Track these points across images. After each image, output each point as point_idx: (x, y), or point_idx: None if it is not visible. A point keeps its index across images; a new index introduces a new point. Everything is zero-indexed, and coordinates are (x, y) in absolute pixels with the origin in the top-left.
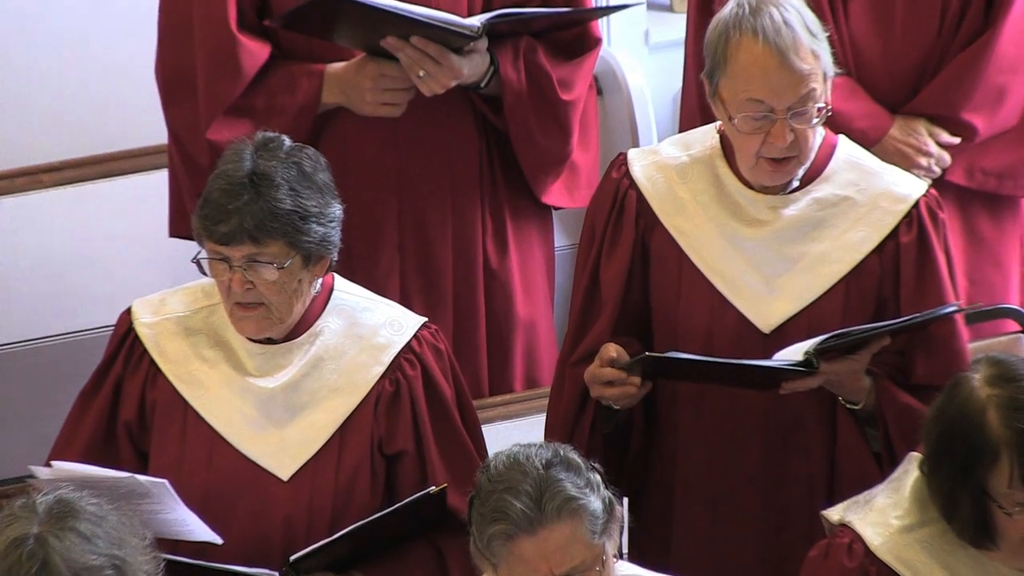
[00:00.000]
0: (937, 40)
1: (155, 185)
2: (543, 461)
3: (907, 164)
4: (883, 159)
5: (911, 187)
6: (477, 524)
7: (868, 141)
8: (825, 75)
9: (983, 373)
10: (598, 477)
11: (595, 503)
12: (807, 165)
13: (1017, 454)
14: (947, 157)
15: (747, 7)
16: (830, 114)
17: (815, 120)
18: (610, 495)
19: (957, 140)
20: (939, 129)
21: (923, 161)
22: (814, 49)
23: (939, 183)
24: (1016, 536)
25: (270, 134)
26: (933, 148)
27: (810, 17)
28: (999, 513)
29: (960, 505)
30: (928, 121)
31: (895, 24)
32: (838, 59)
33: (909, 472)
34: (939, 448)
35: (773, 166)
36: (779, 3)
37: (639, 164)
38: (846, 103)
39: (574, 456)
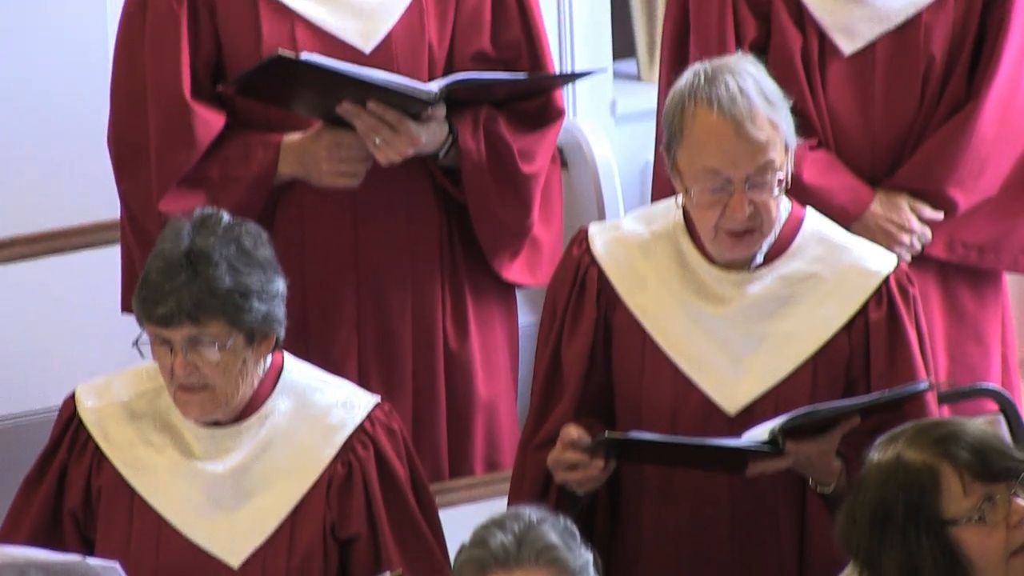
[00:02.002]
0: (919, 111)
1: (107, 261)
2: (539, 516)
3: (889, 241)
4: (865, 236)
5: (880, 262)
6: (456, 557)
7: (849, 217)
8: (786, 146)
9: (875, 449)
10: (591, 557)
11: (579, 565)
12: (771, 239)
13: (953, 458)
14: (929, 233)
15: (703, 76)
16: (788, 187)
17: (775, 191)
18: None
19: (940, 215)
20: (921, 204)
21: (906, 238)
22: (772, 118)
23: (919, 257)
24: (994, 555)
25: (208, 210)
26: (916, 224)
27: (769, 86)
28: (970, 537)
29: (924, 562)
30: (910, 196)
31: (875, 94)
32: (816, 130)
33: None
34: (874, 527)
35: (733, 239)
36: (736, 71)
37: (600, 240)
38: (825, 178)
39: (575, 529)
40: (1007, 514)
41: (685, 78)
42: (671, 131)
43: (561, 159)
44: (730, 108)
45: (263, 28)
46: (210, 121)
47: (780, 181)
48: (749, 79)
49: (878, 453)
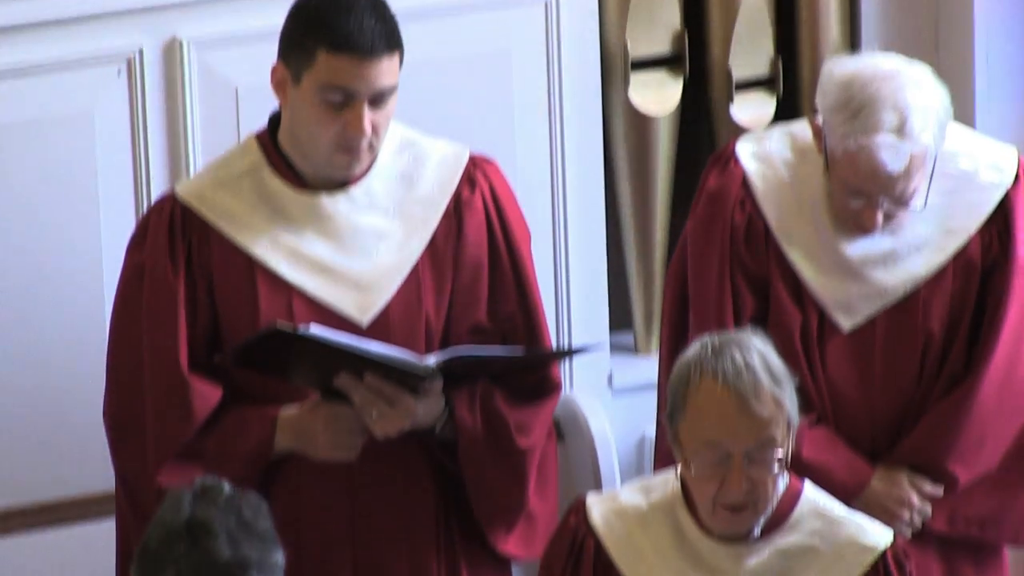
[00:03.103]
0: (918, 386)
1: (104, 533)
2: None
3: (890, 517)
4: (865, 512)
5: (877, 536)
6: None
7: (849, 494)
8: (789, 424)
9: None
10: None
11: None
12: (768, 514)
13: None
14: (929, 508)
15: (710, 348)
16: (788, 465)
17: (774, 469)
18: None
19: (940, 491)
20: (922, 479)
21: (906, 514)
22: (776, 395)
23: (921, 531)
24: None
25: (210, 481)
26: (916, 500)
27: (775, 362)
28: None
29: None
30: (910, 471)
31: (874, 370)
32: (815, 405)
33: None
34: None
35: (729, 514)
36: (743, 345)
37: (598, 510)
38: (825, 454)
39: None
40: None
41: (692, 349)
42: (675, 401)
43: (558, 431)
44: (735, 381)
45: (260, 300)
46: (207, 394)
47: (780, 460)
48: (756, 355)
49: None
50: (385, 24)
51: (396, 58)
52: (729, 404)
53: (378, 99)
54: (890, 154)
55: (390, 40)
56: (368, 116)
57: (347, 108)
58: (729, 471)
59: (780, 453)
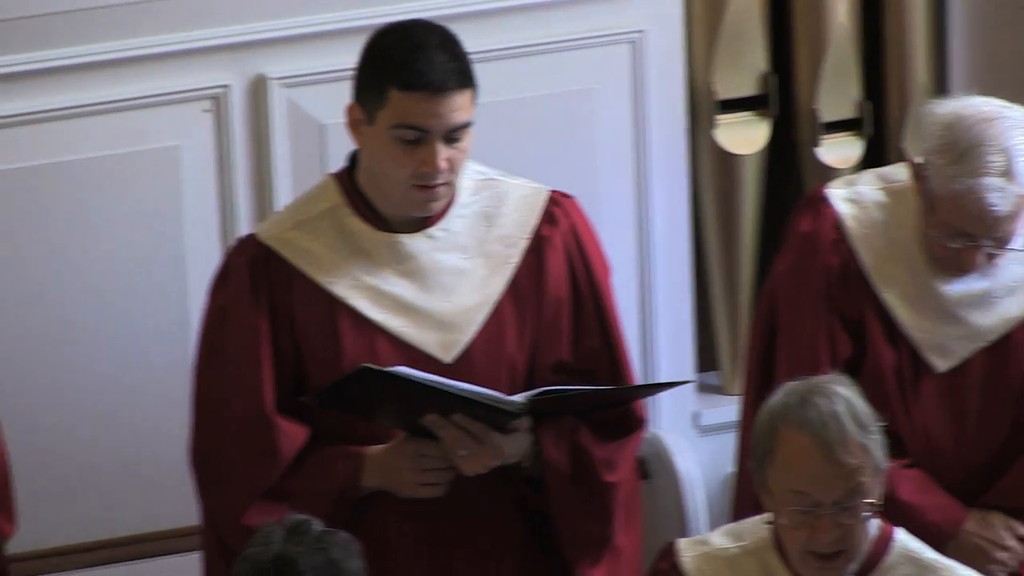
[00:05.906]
0: (1012, 428)
1: (187, 568)
2: None
3: (985, 559)
4: (958, 555)
5: None
6: None
7: (943, 535)
8: (876, 469)
9: None
10: None
11: None
12: (860, 560)
13: None
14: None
15: (795, 397)
16: (880, 509)
17: (864, 515)
18: None
19: None
20: (1017, 522)
21: (1001, 555)
22: (863, 442)
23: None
24: None
25: (302, 517)
26: (1011, 542)
27: (861, 409)
28: None
29: None
30: (1005, 514)
31: (968, 411)
32: (908, 447)
33: None
34: None
35: (821, 561)
36: (828, 393)
37: (688, 555)
38: (919, 496)
39: None
40: None
41: (776, 398)
42: (762, 450)
43: (644, 471)
44: (821, 431)
45: (344, 340)
46: (293, 435)
47: (870, 505)
48: (841, 402)
49: None
50: (456, 61)
51: (468, 94)
52: (816, 454)
53: (452, 135)
54: (997, 196)
55: (461, 77)
56: (443, 152)
57: (421, 145)
58: (818, 519)
59: (869, 499)
